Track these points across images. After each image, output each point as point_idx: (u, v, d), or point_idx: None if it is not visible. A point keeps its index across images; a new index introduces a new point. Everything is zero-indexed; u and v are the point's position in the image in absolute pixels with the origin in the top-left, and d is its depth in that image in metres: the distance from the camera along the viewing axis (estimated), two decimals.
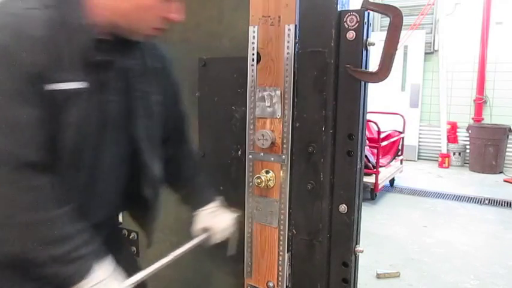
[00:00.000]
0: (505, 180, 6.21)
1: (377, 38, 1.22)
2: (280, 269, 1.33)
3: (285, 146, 1.27)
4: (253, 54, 1.28)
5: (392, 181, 5.73)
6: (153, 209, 1.23)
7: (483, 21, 6.79)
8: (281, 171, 1.29)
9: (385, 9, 1.15)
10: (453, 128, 7.24)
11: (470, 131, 6.83)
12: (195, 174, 1.32)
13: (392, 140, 5.57)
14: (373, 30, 1.24)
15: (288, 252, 1.33)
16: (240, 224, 1.35)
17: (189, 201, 1.32)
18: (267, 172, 1.30)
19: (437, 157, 7.23)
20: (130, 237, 1.70)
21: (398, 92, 7.47)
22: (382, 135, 4.98)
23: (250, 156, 1.33)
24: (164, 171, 1.21)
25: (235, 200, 1.40)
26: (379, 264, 3.31)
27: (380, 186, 4.94)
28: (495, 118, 6.90)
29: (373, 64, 1.20)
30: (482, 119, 7.02)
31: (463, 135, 7.19)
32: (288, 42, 1.22)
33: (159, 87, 1.14)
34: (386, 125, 5.65)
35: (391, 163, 5.70)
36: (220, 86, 1.41)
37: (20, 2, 0.88)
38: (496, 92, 6.91)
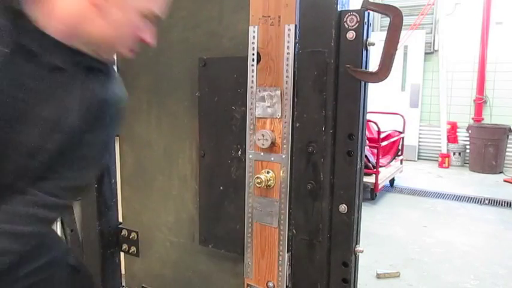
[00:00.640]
0: (505, 180, 6.21)
1: (377, 38, 1.22)
2: (280, 269, 1.33)
3: (285, 146, 1.27)
4: (253, 54, 1.28)
5: (392, 181, 5.73)
6: None
7: (483, 21, 6.79)
8: (281, 171, 1.29)
9: (385, 9, 1.15)
10: (453, 128, 7.25)
11: (470, 131, 6.83)
12: None
13: (392, 140, 5.57)
14: (373, 30, 1.23)
15: (288, 252, 1.33)
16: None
17: None
18: (267, 172, 1.30)
19: (437, 157, 7.23)
20: (130, 237, 1.70)
21: (398, 92, 7.47)
22: (382, 135, 4.98)
23: (250, 156, 1.33)
24: None
25: (235, 200, 1.40)
26: (379, 264, 3.31)
27: (380, 186, 4.94)
28: (495, 118, 6.90)
29: (373, 64, 1.20)
30: (482, 119, 7.02)
31: (463, 135, 7.19)
32: (288, 42, 1.22)
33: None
34: (386, 125, 5.66)
35: (391, 163, 5.70)
36: (220, 86, 1.41)
37: None
38: (496, 92, 6.91)
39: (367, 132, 4.93)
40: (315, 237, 1.30)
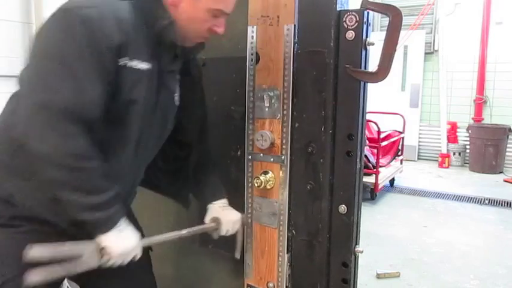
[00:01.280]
0: (505, 180, 6.20)
1: (376, 38, 1.21)
2: (280, 269, 1.33)
3: (284, 146, 1.26)
4: (252, 55, 1.28)
5: (392, 181, 5.73)
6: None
7: (483, 21, 6.79)
8: (280, 172, 1.28)
9: (385, 9, 1.15)
10: (453, 128, 7.24)
11: (470, 131, 6.83)
12: (210, 171, 1.39)
13: (392, 140, 5.56)
14: (372, 30, 1.23)
15: (287, 252, 1.33)
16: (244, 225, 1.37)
17: (202, 195, 1.38)
18: (267, 173, 1.29)
19: (437, 157, 7.22)
20: None
21: (398, 92, 7.46)
22: (382, 135, 4.98)
23: (250, 156, 1.33)
24: (184, 165, 1.34)
25: (234, 200, 1.40)
26: (379, 264, 3.30)
27: (380, 186, 4.93)
28: (495, 118, 6.90)
29: (373, 64, 1.20)
30: (482, 119, 7.02)
31: (463, 135, 7.19)
32: (287, 42, 1.21)
33: (189, 88, 1.29)
34: (386, 125, 5.65)
35: (391, 163, 5.69)
36: (219, 86, 1.40)
37: None
38: (496, 92, 6.91)
39: (367, 132, 4.93)
40: (315, 237, 1.30)
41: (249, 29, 1.27)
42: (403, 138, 5.80)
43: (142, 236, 1.20)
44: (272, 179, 1.29)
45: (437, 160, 7.22)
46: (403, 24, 1.13)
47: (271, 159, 1.29)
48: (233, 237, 1.35)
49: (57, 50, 0.97)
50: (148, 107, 1.12)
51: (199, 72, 1.34)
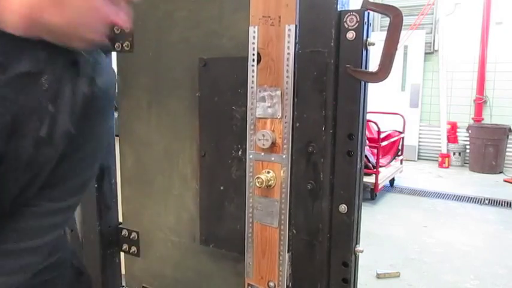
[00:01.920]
0: (505, 180, 6.21)
1: (377, 38, 1.22)
2: (280, 268, 1.33)
3: (285, 146, 1.27)
4: (253, 55, 1.28)
5: (392, 181, 5.73)
6: None
7: (483, 21, 6.80)
8: (282, 171, 1.29)
9: (385, 10, 1.15)
10: (453, 128, 7.25)
11: (470, 131, 6.83)
12: None
13: (392, 140, 5.57)
14: (373, 30, 1.24)
15: (288, 252, 1.33)
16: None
17: None
18: (268, 172, 1.30)
19: (437, 157, 7.23)
20: (131, 237, 1.70)
21: (398, 92, 7.47)
22: (382, 135, 4.99)
23: (251, 156, 1.34)
24: None
25: (235, 200, 1.40)
26: (379, 264, 3.31)
27: (380, 186, 4.94)
28: (495, 118, 6.91)
29: (373, 64, 1.20)
30: (482, 119, 7.03)
31: (463, 135, 7.20)
32: (289, 42, 1.22)
33: None
34: (386, 125, 5.66)
35: (391, 163, 5.70)
36: (220, 86, 1.41)
37: None
38: (496, 92, 6.92)
39: (367, 132, 4.94)
40: (315, 237, 1.30)
41: (251, 29, 1.27)
42: (403, 138, 5.81)
43: None
44: (273, 179, 1.29)
45: (437, 160, 7.22)
46: (403, 24, 1.13)
47: (273, 159, 1.29)
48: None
49: None
50: None
51: None
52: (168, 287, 1.65)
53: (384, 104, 6.76)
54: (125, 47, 1.57)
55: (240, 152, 1.40)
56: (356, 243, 1.29)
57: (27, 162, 0.83)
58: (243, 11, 1.29)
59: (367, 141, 5.05)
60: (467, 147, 7.02)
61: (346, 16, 1.17)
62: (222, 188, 1.44)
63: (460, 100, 7.15)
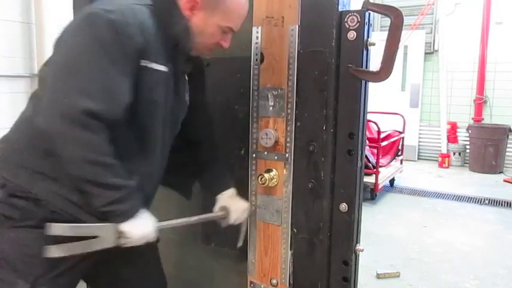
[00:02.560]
0: (505, 180, 6.21)
1: (377, 38, 1.23)
2: (283, 266, 1.34)
3: (288, 144, 1.28)
4: (256, 55, 1.29)
5: (392, 181, 5.74)
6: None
7: (483, 21, 6.80)
8: (284, 170, 1.30)
9: (386, 10, 1.16)
10: (453, 128, 7.25)
11: (470, 131, 6.84)
12: (217, 162, 1.42)
13: (392, 140, 5.57)
14: (373, 30, 1.25)
15: (290, 250, 1.34)
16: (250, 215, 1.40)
17: (211, 187, 1.42)
18: (270, 171, 1.31)
19: (437, 157, 7.23)
20: None
21: (398, 92, 7.47)
22: (382, 135, 4.99)
23: (254, 155, 1.35)
24: (191, 157, 1.40)
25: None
26: (379, 264, 3.31)
27: (380, 186, 4.94)
28: (495, 118, 6.91)
29: (374, 64, 1.21)
30: (482, 119, 7.03)
31: (463, 135, 7.20)
32: (291, 42, 1.23)
33: (196, 88, 1.35)
34: (387, 125, 5.66)
35: (391, 163, 5.70)
36: (224, 85, 1.42)
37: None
38: (496, 92, 6.92)
39: (367, 132, 4.93)
40: (316, 235, 1.31)
41: (254, 29, 1.28)
42: (403, 138, 5.81)
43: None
44: (276, 177, 1.30)
45: (437, 160, 7.22)
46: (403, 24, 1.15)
47: (275, 157, 1.30)
48: (237, 230, 1.36)
49: (84, 52, 1.02)
50: (168, 108, 1.18)
51: (203, 72, 1.39)
52: (170, 285, 1.66)
53: (384, 104, 6.76)
54: None
55: (243, 151, 1.41)
56: (356, 242, 1.29)
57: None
58: (247, 12, 1.29)
59: (367, 141, 5.06)
60: (467, 147, 7.02)
61: (347, 16, 1.18)
62: None
63: (460, 100, 7.15)
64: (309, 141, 1.27)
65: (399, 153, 5.89)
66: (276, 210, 1.32)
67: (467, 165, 7.01)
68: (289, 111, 1.26)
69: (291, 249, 1.34)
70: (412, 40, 7.09)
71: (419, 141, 7.62)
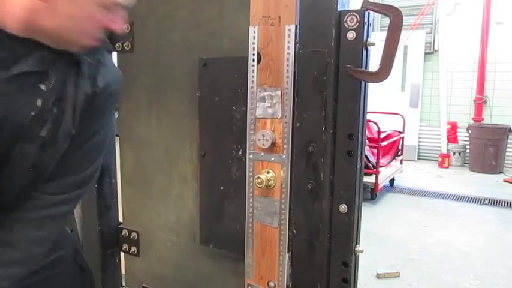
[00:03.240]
0: (505, 180, 6.21)
1: (377, 38, 1.22)
2: (280, 268, 1.33)
3: (285, 146, 1.27)
4: (253, 55, 1.28)
5: (392, 181, 5.74)
6: None
7: (483, 21, 6.80)
8: (282, 171, 1.29)
9: (385, 10, 1.15)
10: (453, 128, 7.25)
11: (470, 131, 6.83)
12: None
13: (392, 140, 5.57)
14: (373, 30, 1.24)
15: (288, 252, 1.33)
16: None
17: None
18: (268, 172, 1.30)
19: (437, 157, 7.23)
20: (131, 237, 1.70)
21: (398, 92, 7.47)
22: (382, 135, 4.99)
23: (251, 156, 1.34)
24: None
25: (235, 200, 1.40)
26: (379, 264, 3.31)
27: (380, 186, 4.94)
28: (495, 118, 6.91)
29: (373, 64, 1.21)
30: (482, 119, 7.03)
31: (463, 135, 7.20)
32: (289, 42, 1.22)
33: None
34: (387, 125, 5.66)
35: (391, 163, 5.70)
36: (220, 86, 1.41)
37: None
38: (496, 92, 6.92)
39: (367, 132, 4.94)
40: (315, 237, 1.30)
41: (251, 29, 1.27)
42: (403, 138, 5.81)
43: None
44: (273, 179, 1.29)
45: (437, 160, 7.22)
46: (403, 24, 1.14)
47: (273, 159, 1.29)
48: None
49: None
50: None
51: None
52: (168, 287, 1.65)
53: (383, 104, 6.77)
54: (125, 47, 1.57)
55: (240, 152, 1.40)
56: (356, 243, 1.29)
57: (32, 163, 0.87)
58: (243, 11, 1.29)
59: (367, 141, 5.05)
60: (467, 147, 7.02)
61: (346, 16, 1.17)
62: (222, 188, 1.44)
63: (460, 100, 7.15)
64: (308, 142, 1.26)
65: (399, 153, 5.89)
66: (274, 212, 1.31)
67: (467, 165, 7.01)
68: (286, 112, 1.25)
69: (288, 251, 1.33)
70: (412, 40, 7.09)
71: (419, 141, 7.63)
